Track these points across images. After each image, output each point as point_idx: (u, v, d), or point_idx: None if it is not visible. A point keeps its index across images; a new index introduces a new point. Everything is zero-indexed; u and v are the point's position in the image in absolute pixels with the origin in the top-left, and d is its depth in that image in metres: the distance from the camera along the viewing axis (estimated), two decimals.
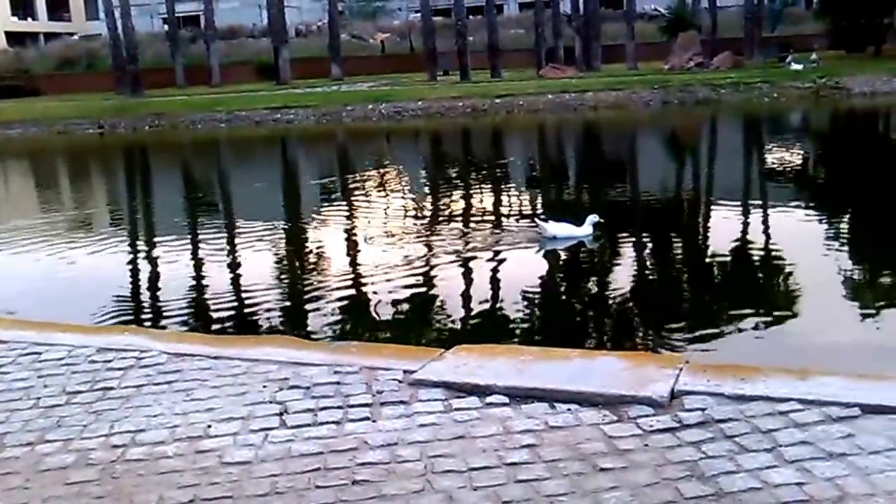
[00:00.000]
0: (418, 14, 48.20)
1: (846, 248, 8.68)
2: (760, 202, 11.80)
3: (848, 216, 10.46)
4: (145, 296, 8.41)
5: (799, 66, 31.66)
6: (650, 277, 8.14)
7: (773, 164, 16.36)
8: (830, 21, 40.89)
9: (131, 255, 10.37)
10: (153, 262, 9.96)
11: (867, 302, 6.59)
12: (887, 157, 16.24)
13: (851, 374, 3.52)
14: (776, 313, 6.39)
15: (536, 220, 9.34)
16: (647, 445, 2.99)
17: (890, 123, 23.40)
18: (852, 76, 29.63)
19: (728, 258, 8.44)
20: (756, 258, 8.53)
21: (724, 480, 2.72)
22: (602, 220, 9.02)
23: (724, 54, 38.21)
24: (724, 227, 9.92)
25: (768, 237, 9.43)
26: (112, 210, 15.29)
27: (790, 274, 7.59)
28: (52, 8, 72.12)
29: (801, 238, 9.03)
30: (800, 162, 16.76)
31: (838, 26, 39.85)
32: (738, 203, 11.53)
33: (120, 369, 4.04)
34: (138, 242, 11.50)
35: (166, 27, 52.61)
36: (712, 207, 11.48)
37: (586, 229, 9.01)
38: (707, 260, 8.63)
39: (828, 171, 15.44)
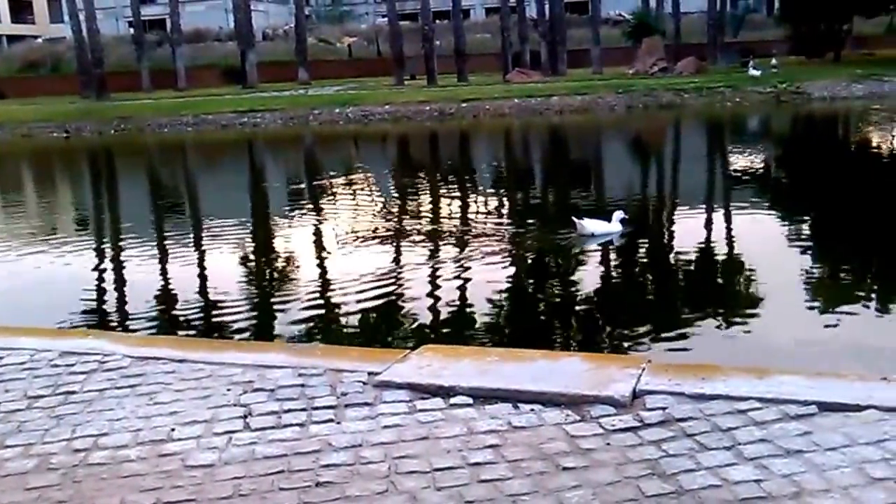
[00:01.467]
0: (385, 18, 48.16)
1: (807, 249, 8.83)
2: (723, 205, 11.95)
3: (808, 218, 10.63)
4: (110, 300, 8.32)
5: (758, 72, 32.11)
6: (616, 279, 8.22)
7: (736, 167, 16.58)
8: (791, 27, 41.65)
9: (97, 259, 10.25)
10: (119, 265, 9.86)
11: (826, 302, 6.71)
12: (846, 160, 16.54)
13: (809, 372, 3.59)
14: (738, 314, 6.49)
15: (573, 218, 9.32)
16: (608, 444, 3.03)
17: (849, 127, 23.83)
18: (812, 81, 30.15)
19: (692, 260, 8.55)
20: (719, 260, 8.64)
21: (684, 478, 2.76)
22: (627, 217, 9.17)
23: (688, 59, 38.69)
24: (688, 230, 10.04)
25: (731, 239, 9.56)
26: (77, 214, 15.10)
27: (752, 275, 7.71)
28: (16, 10, 71.01)
29: (764, 240, 9.16)
30: (761, 165, 17.00)
31: (798, 32, 40.61)
32: (702, 205, 11.68)
33: (83, 373, 4.00)
34: (104, 246, 11.36)
35: (132, 30, 52.08)
36: (676, 210, 11.61)
37: (617, 225, 9.12)
38: (671, 262, 8.73)
39: (789, 175, 15.68)
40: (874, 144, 19.23)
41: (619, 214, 9.20)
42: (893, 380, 3.38)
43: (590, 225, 9.15)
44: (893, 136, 20.76)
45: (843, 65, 35.80)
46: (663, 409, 3.28)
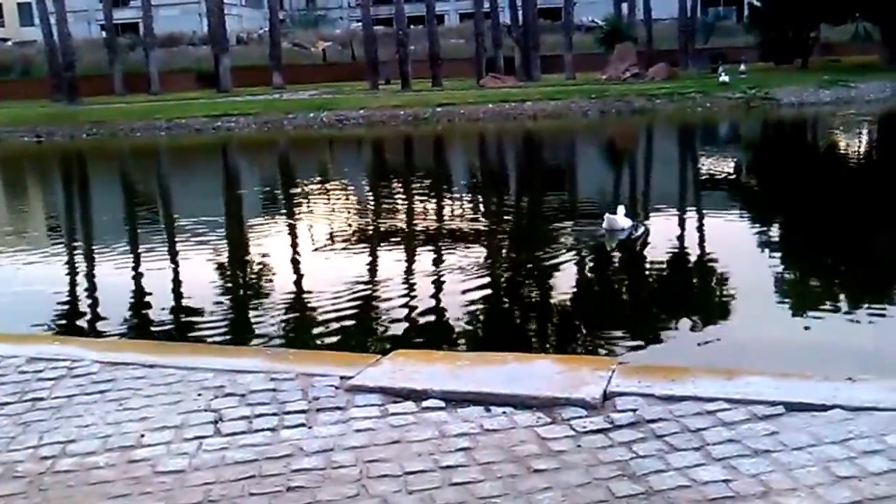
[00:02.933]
0: (360, 23, 48.13)
1: (776, 252, 8.93)
2: (695, 208, 12.05)
3: (778, 221, 10.76)
4: (81, 305, 8.22)
5: (726, 78, 32.43)
6: (589, 281, 8.25)
7: (707, 171, 16.74)
8: (760, 34, 42.22)
9: (67, 264, 10.14)
10: (90, 270, 9.77)
11: (793, 304, 6.80)
12: (814, 164, 16.75)
13: (776, 373, 3.63)
14: (708, 315, 6.56)
15: (607, 215, 9.38)
16: (579, 446, 3.04)
17: (817, 132, 24.14)
18: (781, 87, 30.54)
19: (664, 262, 8.60)
20: (690, 262, 8.71)
21: (654, 479, 2.79)
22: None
23: (659, 65, 39.07)
24: (660, 232, 10.08)
25: (702, 242, 9.65)
26: (48, 219, 14.93)
27: (722, 277, 7.79)
28: None
29: (734, 243, 9.25)
30: (732, 170, 17.18)
31: (767, 39, 41.15)
32: (674, 209, 11.76)
33: (51, 379, 3.95)
34: (75, 251, 11.22)
35: (104, 34, 51.59)
36: (649, 213, 11.67)
37: (628, 220, 9.34)
38: (644, 264, 8.78)
39: (759, 179, 15.87)
40: (842, 149, 19.50)
41: (622, 209, 9.41)
42: (858, 380, 3.43)
43: (621, 220, 9.22)
44: (861, 141, 21.07)
45: (811, 71, 36.32)
46: (633, 410, 3.30)
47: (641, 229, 9.61)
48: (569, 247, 9.15)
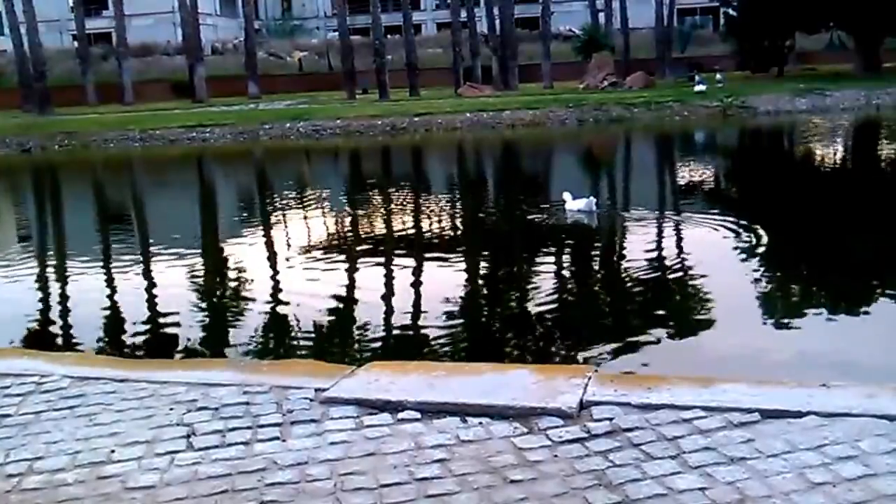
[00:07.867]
0: (336, 33, 48.11)
1: (752, 259, 8.96)
2: (673, 215, 12.08)
3: (754, 228, 10.80)
4: (53, 320, 8.11)
5: (703, 87, 32.64)
6: (566, 289, 8.25)
7: (685, 179, 16.84)
8: (736, 43, 42.68)
9: (38, 278, 9.98)
10: (62, 284, 9.62)
11: (769, 311, 6.84)
12: (790, 172, 16.89)
13: (752, 380, 3.64)
14: (684, 323, 6.57)
15: (589, 199, 11.20)
16: (556, 456, 3.03)
17: (793, 140, 24.38)
18: (757, 95, 30.81)
19: (641, 271, 8.61)
20: (668, 269, 8.73)
21: (630, 488, 2.78)
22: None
23: (637, 74, 39.35)
24: (638, 239, 10.13)
25: (681, 249, 9.67)
26: (18, 231, 14.74)
27: (698, 285, 7.80)
28: None
29: (712, 250, 9.27)
30: (710, 177, 17.29)
31: (743, 48, 41.61)
32: (652, 216, 11.79)
33: (18, 395, 3.89)
34: (47, 265, 11.07)
35: (76, 43, 51.23)
36: (627, 220, 11.71)
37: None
38: (621, 273, 8.80)
39: (736, 186, 15.98)
40: (818, 157, 19.69)
41: (568, 195, 11.24)
42: (832, 386, 3.45)
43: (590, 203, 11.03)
44: (836, 149, 21.30)
45: (787, 79, 36.71)
46: (610, 419, 3.30)
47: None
48: (545, 256, 9.14)
